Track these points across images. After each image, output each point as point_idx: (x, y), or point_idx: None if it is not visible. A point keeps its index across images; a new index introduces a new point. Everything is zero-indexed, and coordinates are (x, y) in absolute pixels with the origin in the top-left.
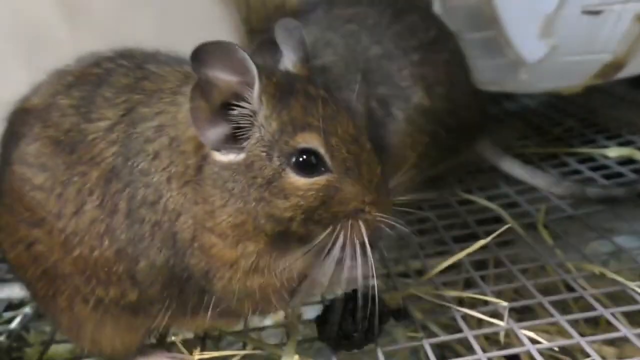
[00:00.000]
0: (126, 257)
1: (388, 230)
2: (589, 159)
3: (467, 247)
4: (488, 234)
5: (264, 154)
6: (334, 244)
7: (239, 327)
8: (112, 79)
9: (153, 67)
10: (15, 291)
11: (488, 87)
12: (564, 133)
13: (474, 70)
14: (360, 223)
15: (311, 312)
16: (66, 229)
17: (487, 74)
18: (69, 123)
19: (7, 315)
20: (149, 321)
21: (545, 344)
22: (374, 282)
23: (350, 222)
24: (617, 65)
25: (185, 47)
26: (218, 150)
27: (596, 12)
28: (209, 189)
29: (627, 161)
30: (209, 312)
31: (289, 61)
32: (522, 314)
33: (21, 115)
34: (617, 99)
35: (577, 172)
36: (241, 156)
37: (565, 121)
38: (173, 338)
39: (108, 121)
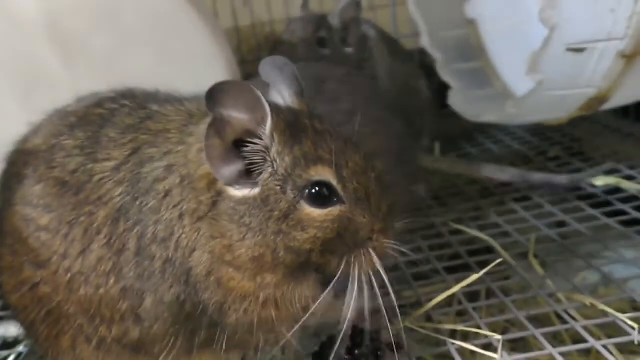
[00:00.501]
0: (131, 295)
1: (396, 255)
2: (576, 187)
3: (459, 277)
4: (479, 264)
5: (278, 187)
6: (349, 273)
7: None
8: (116, 119)
9: (155, 107)
10: (9, 329)
11: (476, 119)
12: (550, 161)
13: (461, 100)
14: (371, 251)
15: (308, 347)
16: (72, 269)
17: (474, 105)
18: (74, 163)
19: (1, 353)
20: None
21: None
22: (397, 313)
23: (362, 250)
24: (601, 99)
25: (181, 83)
26: (232, 185)
27: (580, 50)
28: (225, 223)
29: (613, 190)
30: (222, 346)
31: (284, 97)
32: (514, 342)
33: (22, 156)
34: (603, 128)
35: (564, 200)
36: (255, 190)
37: (551, 150)
38: None
39: (114, 161)
